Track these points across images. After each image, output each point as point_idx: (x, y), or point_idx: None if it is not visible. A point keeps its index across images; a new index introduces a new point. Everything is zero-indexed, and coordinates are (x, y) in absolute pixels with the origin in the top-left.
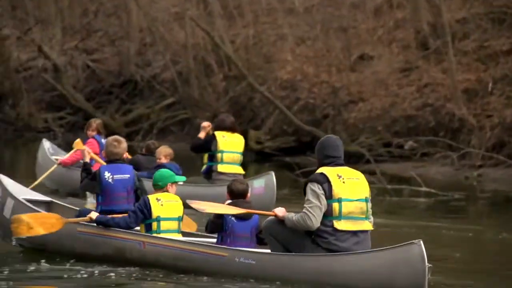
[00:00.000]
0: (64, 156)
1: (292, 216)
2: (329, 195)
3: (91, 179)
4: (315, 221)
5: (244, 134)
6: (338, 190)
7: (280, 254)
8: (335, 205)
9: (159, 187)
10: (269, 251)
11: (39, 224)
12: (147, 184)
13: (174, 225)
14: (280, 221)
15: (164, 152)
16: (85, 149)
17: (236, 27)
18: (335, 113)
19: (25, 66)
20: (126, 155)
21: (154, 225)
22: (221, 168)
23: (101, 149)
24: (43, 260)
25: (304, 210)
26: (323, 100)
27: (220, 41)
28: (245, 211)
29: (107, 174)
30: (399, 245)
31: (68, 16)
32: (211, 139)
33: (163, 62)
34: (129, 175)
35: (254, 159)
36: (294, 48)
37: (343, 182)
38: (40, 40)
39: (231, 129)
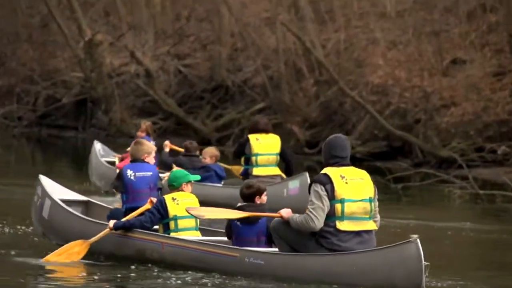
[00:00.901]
0: (120, 162)
1: (296, 217)
2: (331, 196)
3: (116, 178)
4: (318, 223)
5: None
6: (340, 191)
7: (285, 254)
8: (338, 206)
9: (174, 187)
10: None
11: (66, 257)
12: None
13: (191, 223)
14: (286, 222)
15: (210, 153)
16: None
17: (328, 31)
18: (427, 118)
19: (117, 71)
20: (146, 157)
21: (172, 224)
22: (256, 171)
23: None
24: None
25: (307, 212)
26: (414, 104)
27: (311, 46)
28: (249, 214)
29: (129, 172)
30: (396, 243)
31: (160, 22)
32: (245, 142)
33: (254, 67)
34: (151, 173)
35: None
36: (385, 53)
37: (346, 183)
38: (132, 46)
39: (264, 130)
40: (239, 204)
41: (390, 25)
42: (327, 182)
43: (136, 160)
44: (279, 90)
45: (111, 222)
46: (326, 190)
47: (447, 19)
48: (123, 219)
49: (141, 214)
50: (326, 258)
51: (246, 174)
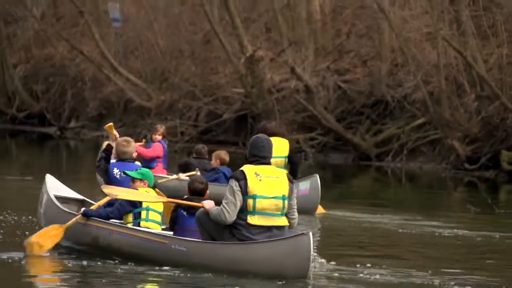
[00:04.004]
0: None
1: (214, 209)
2: (244, 192)
3: (104, 173)
4: (229, 216)
5: (496, 154)
6: (253, 187)
7: (202, 242)
8: (250, 201)
9: (149, 185)
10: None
11: (47, 239)
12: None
13: (157, 217)
14: (208, 212)
15: (215, 156)
16: (116, 134)
17: (490, 46)
18: None
19: (278, 87)
20: (135, 155)
21: (144, 213)
22: None
23: (165, 153)
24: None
25: (221, 205)
26: None
27: (473, 61)
28: (167, 200)
29: (115, 170)
30: (291, 235)
31: (320, 38)
32: None
33: (414, 82)
34: None
35: (507, 180)
36: None
37: (260, 180)
38: (293, 62)
39: (274, 134)
40: (186, 196)
41: None
42: (242, 178)
43: (123, 159)
44: (439, 106)
45: (83, 209)
46: (240, 186)
47: None
48: (92, 207)
49: (109, 203)
50: (233, 246)
51: None
